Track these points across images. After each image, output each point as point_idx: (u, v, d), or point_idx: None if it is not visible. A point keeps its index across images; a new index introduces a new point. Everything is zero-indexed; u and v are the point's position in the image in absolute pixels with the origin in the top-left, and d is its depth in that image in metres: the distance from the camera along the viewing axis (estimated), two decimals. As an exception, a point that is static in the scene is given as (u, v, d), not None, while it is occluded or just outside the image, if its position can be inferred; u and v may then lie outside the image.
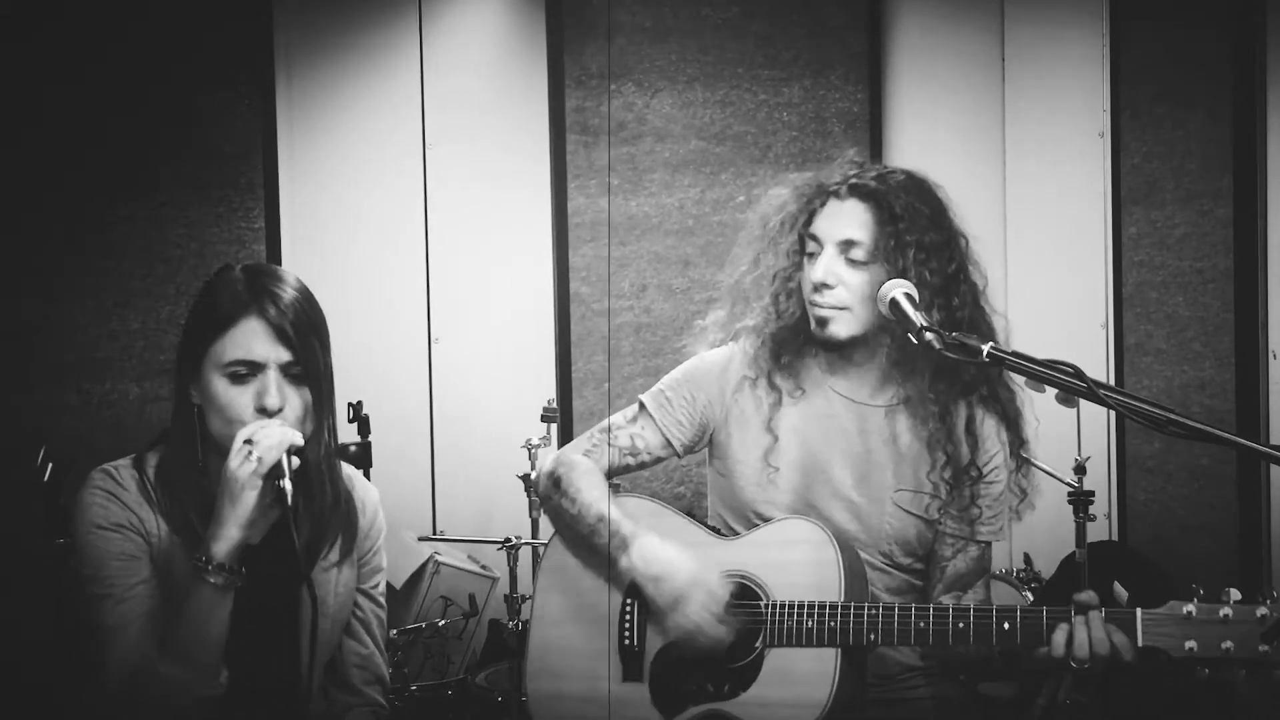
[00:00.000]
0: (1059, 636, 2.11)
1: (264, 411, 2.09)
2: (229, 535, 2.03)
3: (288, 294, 2.14)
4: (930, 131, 4.68)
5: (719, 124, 4.81)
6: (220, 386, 2.10)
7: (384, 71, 4.64)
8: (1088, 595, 2.15)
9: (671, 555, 2.35)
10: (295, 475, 2.06)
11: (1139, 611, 2.07)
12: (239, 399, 2.10)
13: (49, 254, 4.19)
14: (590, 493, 2.45)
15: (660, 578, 2.33)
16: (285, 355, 2.11)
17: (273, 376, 2.11)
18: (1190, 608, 2.04)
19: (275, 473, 2.03)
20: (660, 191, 4.79)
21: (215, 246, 4.37)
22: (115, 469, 2.17)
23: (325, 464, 2.21)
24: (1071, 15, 4.62)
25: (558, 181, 4.74)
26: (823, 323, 2.41)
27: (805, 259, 2.45)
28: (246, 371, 2.10)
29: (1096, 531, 4.15)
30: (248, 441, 2.03)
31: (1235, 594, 2.03)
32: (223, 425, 2.11)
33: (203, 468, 2.14)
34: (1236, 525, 4.52)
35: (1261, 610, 2.00)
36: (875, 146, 4.76)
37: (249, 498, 2.02)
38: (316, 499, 2.21)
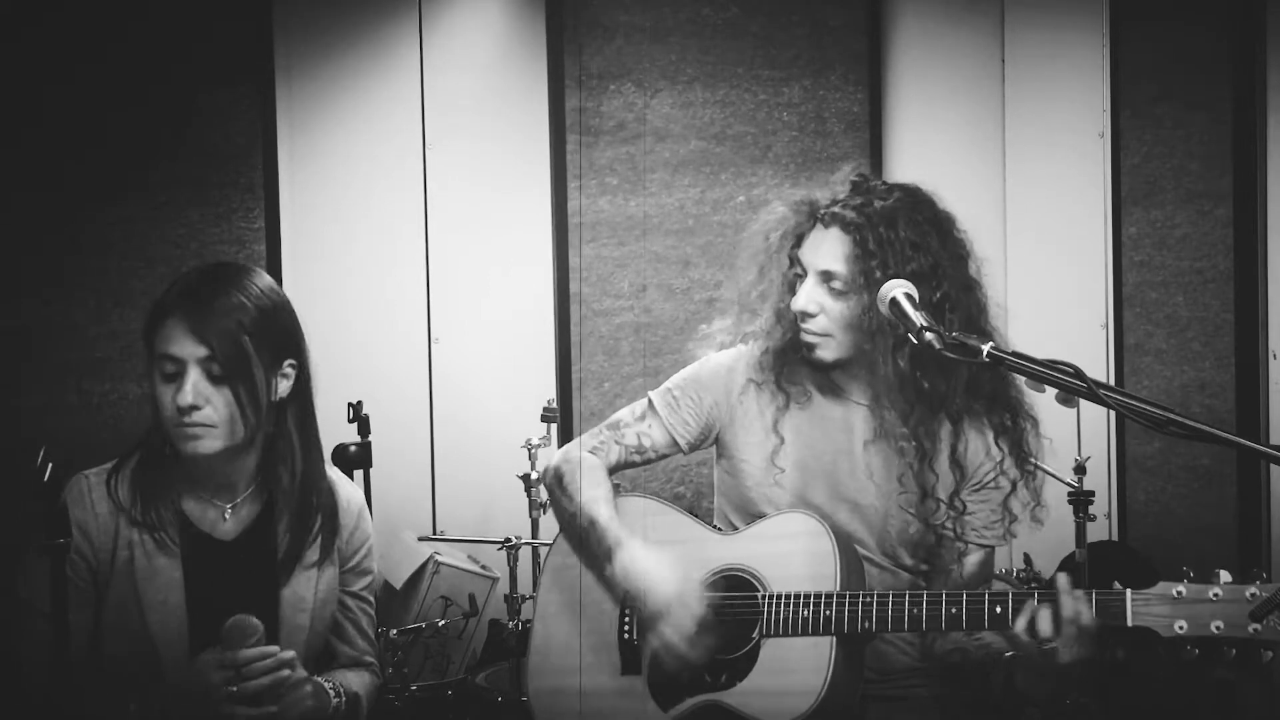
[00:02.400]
0: (1043, 614, 2.12)
1: (180, 410, 2.13)
2: None
3: (225, 296, 2.16)
4: (930, 132, 4.67)
5: (719, 124, 4.81)
6: (157, 381, 2.17)
7: (384, 71, 4.63)
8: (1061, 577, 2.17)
9: (653, 568, 2.35)
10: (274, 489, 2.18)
11: (1128, 592, 2.08)
12: (165, 396, 2.16)
13: (49, 254, 4.20)
14: (588, 491, 2.46)
15: (642, 592, 2.34)
16: (201, 351, 2.13)
17: (192, 374, 2.14)
18: (1180, 588, 2.05)
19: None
20: (660, 191, 4.79)
21: (215, 246, 4.37)
22: (87, 477, 2.23)
23: (301, 473, 2.26)
24: (1071, 16, 4.62)
25: (558, 182, 4.74)
26: (809, 347, 2.44)
27: (796, 280, 2.47)
28: (173, 369, 2.15)
29: (1096, 531, 4.15)
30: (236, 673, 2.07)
31: (1226, 575, 2.04)
32: (161, 418, 2.18)
33: (172, 453, 2.20)
34: (1236, 525, 4.52)
35: (1251, 590, 2.00)
36: (875, 147, 4.76)
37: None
38: (293, 507, 2.27)
